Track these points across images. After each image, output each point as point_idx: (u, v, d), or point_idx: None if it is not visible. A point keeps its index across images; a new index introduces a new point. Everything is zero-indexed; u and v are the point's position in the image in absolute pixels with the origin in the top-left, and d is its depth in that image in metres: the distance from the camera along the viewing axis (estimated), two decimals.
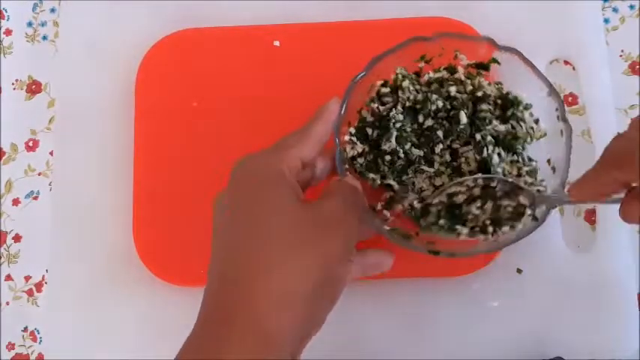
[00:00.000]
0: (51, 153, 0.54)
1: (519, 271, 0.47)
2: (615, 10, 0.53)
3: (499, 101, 0.43)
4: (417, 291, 0.48)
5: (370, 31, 0.51)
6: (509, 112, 0.43)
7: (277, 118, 0.50)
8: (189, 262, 0.48)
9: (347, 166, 0.41)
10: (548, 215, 0.39)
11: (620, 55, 0.52)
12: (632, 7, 0.53)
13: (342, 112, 0.40)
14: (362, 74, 0.41)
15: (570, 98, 0.51)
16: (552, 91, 0.40)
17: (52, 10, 0.57)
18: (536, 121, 0.43)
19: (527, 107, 0.43)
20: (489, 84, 0.43)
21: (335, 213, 0.33)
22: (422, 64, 0.44)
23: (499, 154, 0.42)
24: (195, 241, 0.48)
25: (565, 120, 0.40)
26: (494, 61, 0.43)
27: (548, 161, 0.42)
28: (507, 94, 0.43)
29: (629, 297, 0.47)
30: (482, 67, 0.43)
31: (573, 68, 0.51)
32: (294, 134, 0.38)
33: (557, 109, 0.40)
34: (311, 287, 0.30)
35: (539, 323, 0.47)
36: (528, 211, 0.39)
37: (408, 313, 0.48)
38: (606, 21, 0.53)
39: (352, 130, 0.43)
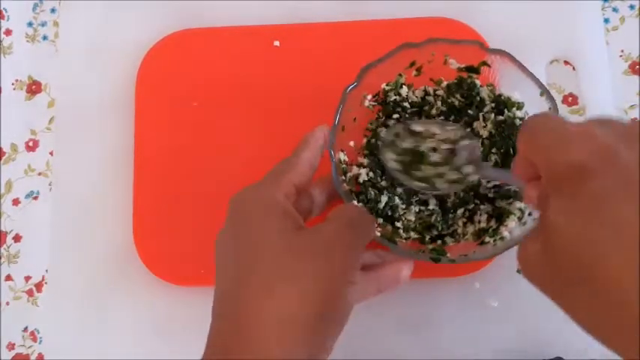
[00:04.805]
0: (51, 153, 0.54)
1: (519, 271, 0.47)
2: (615, 10, 0.53)
3: (493, 104, 0.43)
4: (418, 291, 0.48)
5: (370, 31, 0.51)
6: (503, 116, 0.43)
7: (277, 118, 0.50)
8: (189, 262, 0.48)
9: (344, 177, 0.41)
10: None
11: (620, 55, 0.52)
12: (632, 7, 0.53)
13: (336, 122, 0.40)
14: (353, 84, 0.41)
15: (570, 98, 0.51)
16: (544, 91, 0.40)
17: (52, 10, 0.57)
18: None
19: (519, 107, 0.43)
20: (481, 86, 0.44)
21: (331, 237, 0.33)
22: (414, 72, 0.44)
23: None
24: (195, 241, 0.48)
25: None
26: (484, 63, 0.43)
27: None
28: (499, 95, 0.43)
29: None
30: (473, 70, 0.43)
31: (573, 68, 0.51)
32: (283, 162, 0.38)
33: (550, 109, 0.40)
34: (310, 312, 0.30)
35: (539, 323, 0.47)
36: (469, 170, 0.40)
37: (408, 313, 0.48)
38: (606, 21, 0.53)
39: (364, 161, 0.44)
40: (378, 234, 0.39)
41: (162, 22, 0.54)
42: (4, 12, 0.58)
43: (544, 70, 0.51)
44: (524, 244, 0.28)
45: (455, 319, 0.47)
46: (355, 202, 0.40)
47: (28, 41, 0.57)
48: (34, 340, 0.51)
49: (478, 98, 0.44)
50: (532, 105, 0.42)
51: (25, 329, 0.51)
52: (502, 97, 0.43)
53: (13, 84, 0.56)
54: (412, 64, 0.43)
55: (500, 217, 0.42)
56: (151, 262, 0.49)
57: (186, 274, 0.48)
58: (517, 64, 0.41)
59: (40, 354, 0.50)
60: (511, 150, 0.43)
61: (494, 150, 0.43)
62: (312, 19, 0.52)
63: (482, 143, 0.43)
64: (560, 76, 0.51)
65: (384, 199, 0.42)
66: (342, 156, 0.42)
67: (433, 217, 0.43)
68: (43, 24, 0.57)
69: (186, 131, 0.51)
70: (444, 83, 0.44)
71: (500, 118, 0.43)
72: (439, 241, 0.42)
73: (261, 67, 0.51)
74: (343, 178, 0.41)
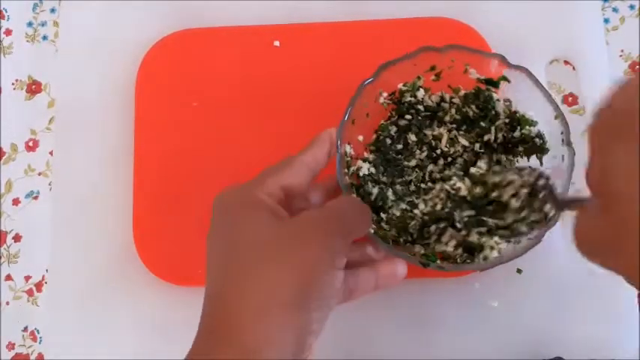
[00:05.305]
0: (51, 153, 0.54)
1: (519, 271, 0.47)
2: (615, 10, 0.53)
3: (507, 120, 0.43)
4: (418, 291, 0.48)
5: (371, 32, 0.51)
6: (516, 133, 0.43)
7: (277, 118, 0.50)
8: (189, 262, 0.48)
9: (347, 170, 0.41)
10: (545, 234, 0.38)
11: (620, 55, 0.52)
12: (632, 7, 0.53)
13: (347, 115, 0.40)
14: (369, 80, 0.41)
15: (570, 98, 0.51)
16: (559, 114, 0.40)
17: (52, 10, 0.57)
18: (542, 137, 0.42)
19: (532, 124, 0.42)
20: (498, 100, 0.43)
21: (312, 223, 0.33)
22: (433, 77, 0.44)
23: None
24: (195, 241, 0.48)
25: (569, 144, 0.39)
26: (504, 78, 0.42)
27: None
28: (515, 112, 0.43)
29: (628, 297, 0.47)
30: (492, 83, 0.43)
31: (573, 68, 0.51)
32: (276, 164, 0.38)
33: (562, 133, 0.40)
34: (290, 296, 0.31)
35: (539, 323, 0.47)
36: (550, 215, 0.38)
37: (408, 313, 0.48)
38: (606, 21, 0.53)
39: (370, 157, 0.44)
40: (372, 231, 0.39)
41: (162, 22, 0.54)
42: (4, 12, 0.58)
43: (544, 70, 0.51)
44: (580, 218, 0.28)
45: (455, 319, 0.47)
46: (354, 195, 0.40)
47: (28, 41, 0.57)
48: (34, 340, 0.51)
49: (493, 112, 0.43)
50: (543, 126, 0.42)
51: (25, 329, 0.51)
52: (517, 115, 0.43)
53: (13, 84, 0.56)
54: (432, 68, 0.43)
55: (469, 249, 0.41)
56: (151, 262, 0.49)
57: (186, 274, 0.48)
58: (537, 84, 0.40)
59: (40, 354, 0.50)
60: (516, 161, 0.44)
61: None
62: (312, 19, 0.52)
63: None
64: (560, 76, 0.51)
65: (375, 191, 0.42)
66: (348, 149, 0.42)
67: (411, 223, 0.42)
68: (43, 24, 0.57)
69: (186, 131, 0.51)
70: (462, 92, 0.44)
71: (513, 135, 0.43)
72: (407, 244, 0.42)
73: (261, 67, 0.51)
74: (346, 171, 0.41)
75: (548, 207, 0.38)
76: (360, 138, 0.44)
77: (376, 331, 0.47)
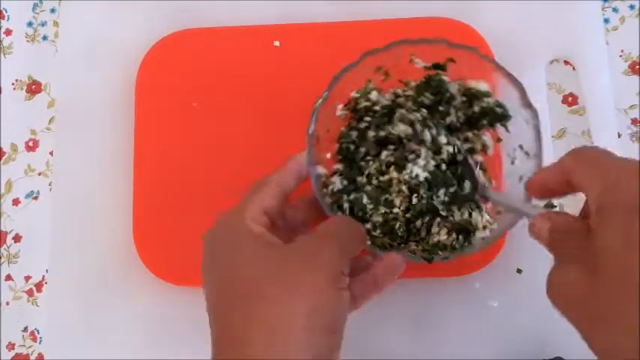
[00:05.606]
0: (51, 153, 0.54)
1: (519, 271, 0.47)
2: (615, 10, 0.53)
3: (464, 98, 0.43)
4: (418, 291, 0.48)
5: (370, 31, 0.51)
6: (476, 108, 0.43)
7: (277, 118, 0.50)
8: (189, 262, 0.48)
9: (325, 190, 0.41)
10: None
11: (620, 55, 0.52)
12: (632, 7, 0.53)
13: (311, 137, 0.39)
14: (322, 98, 0.40)
15: (570, 98, 0.51)
16: (511, 79, 0.40)
17: (52, 10, 0.57)
18: (501, 105, 0.42)
19: (488, 94, 0.42)
20: (449, 82, 0.43)
21: (311, 249, 0.33)
22: (382, 77, 0.43)
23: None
24: (195, 241, 0.48)
25: (529, 106, 0.39)
26: (451, 60, 0.42)
27: (521, 147, 0.41)
28: (469, 89, 0.43)
29: None
30: (439, 67, 0.43)
31: (573, 68, 0.51)
32: (252, 187, 0.38)
33: (519, 97, 0.40)
34: (298, 321, 0.30)
35: (539, 323, 0.47)
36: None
37: (408, 313, 0.48)
38: (606, 21, 0.53)
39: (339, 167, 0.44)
40: (369, 242, 0.39)
41: (162, 22, 0.54)
42: (4, 12, 0.58)
43: (544, 70, 0.51)
44: (558, 273, 0.29)
45: (455, 319, 0.47)
46: (339, 213, 0.40)
47: (28, 41, 0.57)
48: (34, 340, 0.51)
49: (448, 94, 0.43)
50: (500, 96, 0.42)
51: (25, 329, 0.51)
52: (472, 90, 0.43)
53: (13, 84, 0.56)
54: (379, 68, 0.43)
55: (462, 231, 0.41)
56: (151, 262, 0.49)
57: (186, 274, 0.48)
58: (483, 59, 0.40)
59: (40, 354, 0.50)
60: (485, 142, 0.44)
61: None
62: (312, 19, 0.52)
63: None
64: (560, 76, 0.51)
65: (346, 205, 0.42)
66: (321, 169, 0.41)
67: (397, 224, 0.42)
68: (43, 24, 0.57)
69: (185, 131, 0.51)
70: (413, 84, 0.44)
71: (473, 110, 0.43)
72: (402, 245, 0.42)
73: (261, 67, 0.51)
74: (325, 190, 0.41)
75: (465, 184, 0.41)
76: (328, 155, 0.43)
77: (376, 331, 0.48)
